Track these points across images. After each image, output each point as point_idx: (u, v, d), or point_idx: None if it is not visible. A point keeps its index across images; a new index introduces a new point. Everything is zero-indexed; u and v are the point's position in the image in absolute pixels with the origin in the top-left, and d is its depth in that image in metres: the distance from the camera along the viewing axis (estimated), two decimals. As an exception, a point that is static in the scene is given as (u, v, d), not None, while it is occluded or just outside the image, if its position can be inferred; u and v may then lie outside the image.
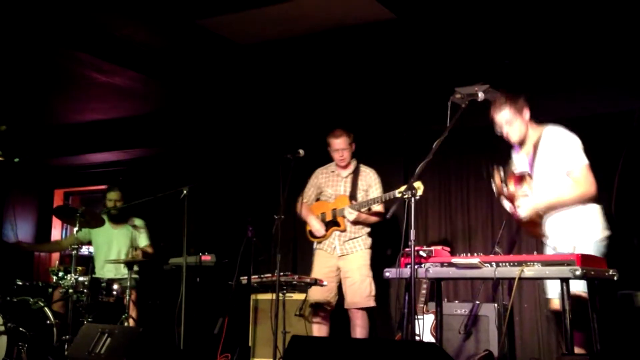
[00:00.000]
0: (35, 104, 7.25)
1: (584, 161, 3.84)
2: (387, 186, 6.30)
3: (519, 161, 4.06)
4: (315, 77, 6.32)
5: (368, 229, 5.38)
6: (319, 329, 5.31)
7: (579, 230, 3.78)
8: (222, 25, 5.21)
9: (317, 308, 5.30)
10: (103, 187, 8.08)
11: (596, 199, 3.85)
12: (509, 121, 3.96)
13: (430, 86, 5.90)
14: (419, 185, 4.95)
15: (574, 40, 5.30)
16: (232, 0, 4.80)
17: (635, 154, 5.13)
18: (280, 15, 4.97)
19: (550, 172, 3.88)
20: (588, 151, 5.29)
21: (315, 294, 5.23)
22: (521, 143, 4.02)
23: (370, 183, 5.38)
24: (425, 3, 4.80)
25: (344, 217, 5.26)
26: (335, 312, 5.41)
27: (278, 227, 4.78)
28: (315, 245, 5.50)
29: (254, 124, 7.10)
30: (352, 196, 5.33)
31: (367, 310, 5.25)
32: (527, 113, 3.96)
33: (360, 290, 5.19)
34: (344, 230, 5.31)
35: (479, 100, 3.87)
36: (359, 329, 5.21)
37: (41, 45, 5.50)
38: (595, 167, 5.42)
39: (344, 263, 5.31)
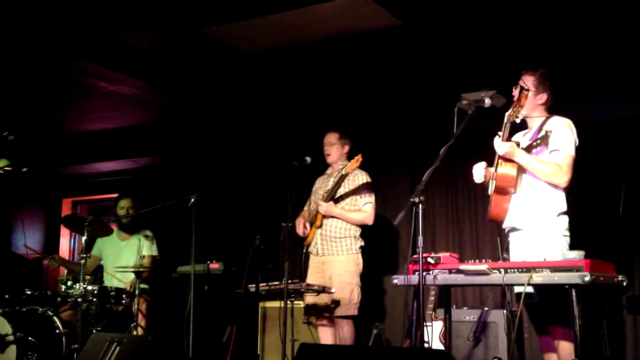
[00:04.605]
0: (43, 114, 7.28)
1: (571, 151, 3.77)
2: (394, 193, 6.32)
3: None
4: (322, 84, 6.33)
5: (356, 230, 5.18)
6: (324, 333, 5.18)
7: (541, 208, 3.78)
8: (227, 34, 5.23)
9: (319, 312, 5.16)
10: (111, 195, 8.13)
11: (563, 189, 3.81)
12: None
13: (437, 92, 5.90)
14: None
15: (580, 45, 5.29)
16: (238, 9, 4.82)
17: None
18: (286, 23, 4.98)
19: (539, 153, 3.86)
20: (596, 156, 5.32)
21: (312, 297, 5.10)
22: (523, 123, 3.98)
23: (357, 184, 5.21)
24: (431, 10, 4.81)
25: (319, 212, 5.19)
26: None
27: (285, 234, 4.78)
28: (304, 249, 5.37)
29: (261, 132, 7.11)
30: (329, 192, 5.20)
31: (350, 318, 5.07)
32: (543, 97, 3.92)
33: (338, 297, 4.99)
34: (320, 226, 5.17)
35: (486, 106, 3.85)
36: (338, 337, 5.06)
37: (48, 54, 5.53)
38: (604, 171, 5.45)
39: (325, 267, 5.15)
